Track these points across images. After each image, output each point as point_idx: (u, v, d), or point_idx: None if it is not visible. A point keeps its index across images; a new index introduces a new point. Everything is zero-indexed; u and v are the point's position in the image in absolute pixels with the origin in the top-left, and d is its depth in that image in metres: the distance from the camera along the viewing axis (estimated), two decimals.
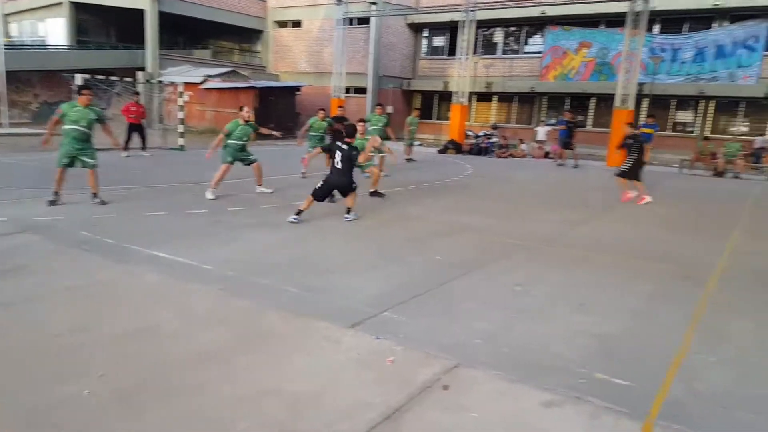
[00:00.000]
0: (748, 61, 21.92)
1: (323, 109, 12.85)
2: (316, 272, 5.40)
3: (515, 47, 27.66)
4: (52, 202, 7.92)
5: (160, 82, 21.51)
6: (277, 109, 23.86)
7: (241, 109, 9.65)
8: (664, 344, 4.03)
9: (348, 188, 7.95)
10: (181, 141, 17.07)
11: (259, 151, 11.23)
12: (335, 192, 8.13)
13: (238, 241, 6.50)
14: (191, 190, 9.90)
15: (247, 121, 9.56)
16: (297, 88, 26.42)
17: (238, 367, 3.39)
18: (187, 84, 24.13)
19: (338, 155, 7.84)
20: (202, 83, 24.74)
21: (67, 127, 7.95)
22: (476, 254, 6.35)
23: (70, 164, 8.08)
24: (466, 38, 22.15)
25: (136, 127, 15.07)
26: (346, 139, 7.99)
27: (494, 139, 21.86)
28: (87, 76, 15.12)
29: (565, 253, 6.62)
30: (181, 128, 17.29)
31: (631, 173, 10.80)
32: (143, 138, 15.28)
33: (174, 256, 5.72)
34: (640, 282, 5.55)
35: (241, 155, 9.65)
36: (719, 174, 17.01)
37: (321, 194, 7.92)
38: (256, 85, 23.74)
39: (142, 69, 25.69)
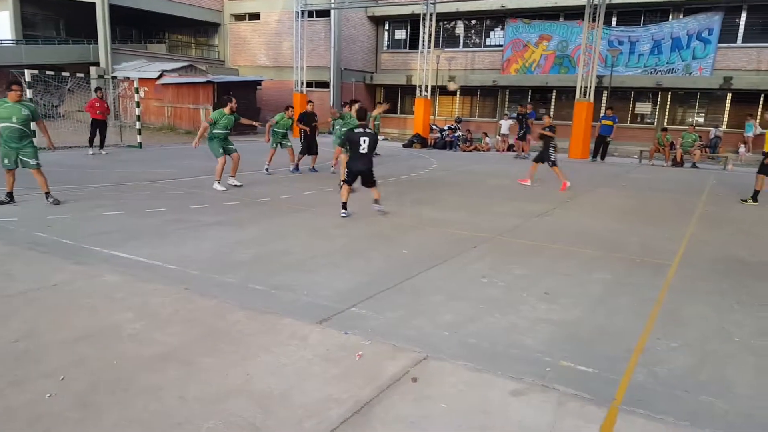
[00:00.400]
0: (703, 53, 22.64)
1: (291, 107, 12.56)
2: (281, 269, 5.33)
3: (477, 40, 27.91)
4: (3, 203, 7.74)
5: (114, 77, 20.89)
6: (238, 105, 23.41)
7: (228, 101, 9.91)
8: (626, 331, 4.12)
9: (371, 174, 8.07)
10: (138, 138, 16.64)
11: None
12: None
13: (201, 239, 6.37)
14: (150, 189, 9.66)
15: (232, 111, 9.84)
16: (257, 83, 26.07)
17: (203, 367, 3.31)
18: (142, 79, 23.59)
19: (364, 141, 7.84)
20: (158, 78, 24.13)
21: (0, 125, 7.64)
22: (442, 247, 6.38)
23: (10, 165, 7.80)
24: (427, 31, 22.21)
25: (100, 123, 14.70)
26: (360, 123, 8.07)
27: (458, 133, 22.03)
28: (35, 72, 14.56)
29: (529, 244, 6.72)
30: (138, 125, 16.83)
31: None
32: (103, 136, 14.85)
33: (135, 255, 5.57)
34: (602, 271, 5.67)
35: (225, 144, 9.87)
36: (677, 164, 17.53)
37: (351, 180, 8.05)
38: (215, 80, 23.29)
39: (96, 64, 24.89)
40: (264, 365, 3.37)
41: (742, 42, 22.18)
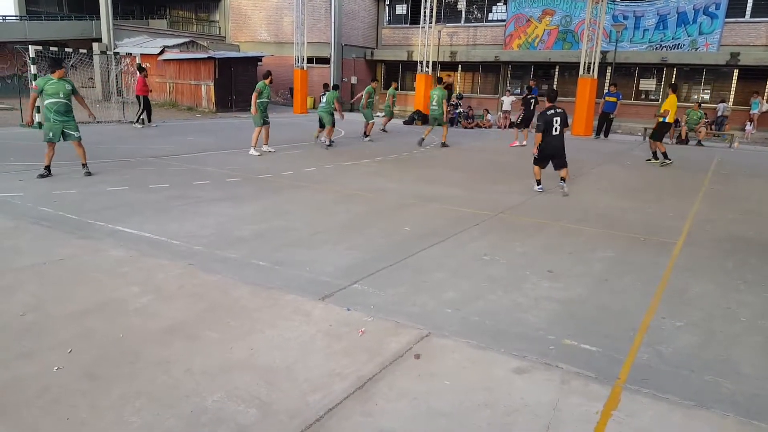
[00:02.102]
0: (710, 28, 22.28)
1: (270, 72, 12.02)
2: (284, 245, 5.34)
3: (478, 15, 27.50)
4: (43, 176, 8.10)
5: (116, 53, 20.68)
6: (239, 81, 23.30)
7: (268, 74, 11.67)
8: (631, 309, 4.12)
9: (564, 153, 8.28)
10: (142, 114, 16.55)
11: (227, 123, 10.98)
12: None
13: (204, 215, 6.37)
14: (153, 164, 9.64)
15: (271, 82, 11.52)
16: (258, 59, 25.79)
17: (209, 341, 3.35)
18: (144, 55, 23.39)
19: (557, 121, 7.95)
20: (160, 54, 23.90)
21: (47, 101, 8.12)
22: (444, 225, 6.38)
23: (55, 138, 8.24)
24: (428, 6, 21.88)
25: (147, 100, 15.86)
26: (548, 104, 8.17)
27: (460, 110, 21.85)
28: (39, 47, 14.52)
29: (532, 222, 6.71)
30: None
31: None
32: (149, 110, 16.08)
33: (139, 231, 5.60)
34: (606, 249, 5.67)
35: (264, 115, 11.41)
36: (682, 142, 17.38)
37: (543, 161, 8.28)
38: (216, 56, 23.05)
39: (98, 40, 24.65)
40: (268, 340, 3.40)
41: (751, 17, 21.77)
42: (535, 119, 11.42)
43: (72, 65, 17.73)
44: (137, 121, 15.80)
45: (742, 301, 4.40)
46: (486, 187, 8.86)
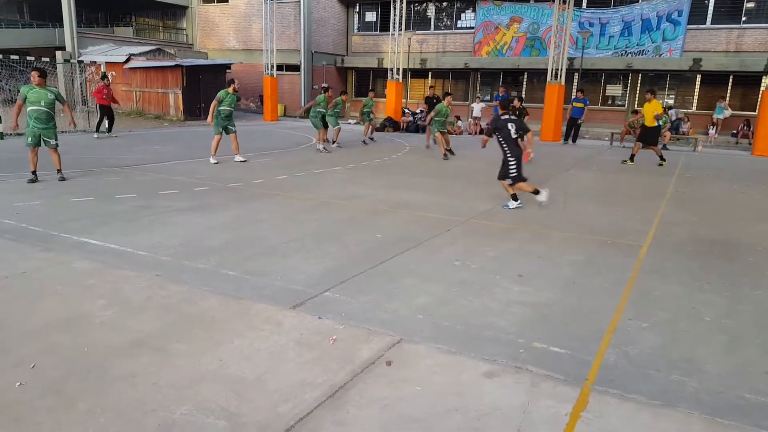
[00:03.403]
0: (673, 34, 22.92)
1: (234, 80, 11.70)
2: (254, 255, 5.29)
3: (448, 23, 27.80)
4: (32, 181, 8.40)
5: (80, 61, 20.27)
6: (207, 88, 23.03)
7: (232, 81, 11.24)
8: (598, 311, 4.19)
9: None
10: (107, 123, 16.22)
11: (196, 131, 10.84)
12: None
13: (172, 225, 6.27)
14: (119, 174, 9.45)
15: (235, 91, 11.12)
16: (227, 66, 25.57)
17: (177, 354, 3.29)
18: (109, 63, 22.98)
19: (511, 126, 7.63)
20: (125, 62, 23.50)
21: (29, 108, 8.43)
22: (416, 231, 6.40)
23: (35, 143, 8.50)
24: (398, 13, 22.03)
25: (107, 109, 15.34)
26: (502, 110, 8.01)
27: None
28: None
29: (502, 227, 6.79)
30: None
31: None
32: (111, 120, 15.62)
33: (105, 242, 5.49)
34: (574, 252, 5.76)
35: (226, 122, 11.08)
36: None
37: (522, 172, 7.78)
38: (184, 64, 22.77)
39: (61, 48, 24.12)
40: (237, 350, 3.36)
41: (712, 23, 22.47)
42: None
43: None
44: (97, 130, 15.38)
45: (706, 301, 4.51)
46: (457, 193, 8.94)
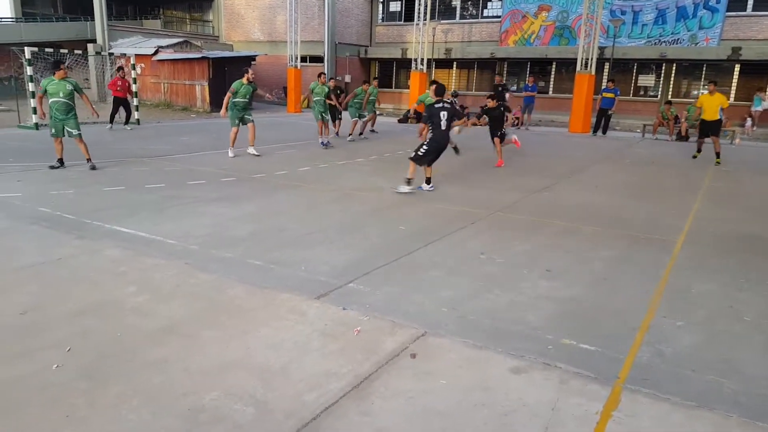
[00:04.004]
0: (710, 22, 22.19)
1: (248, 69, 11.26)
2: (279, 245, 5.32)
3: (474, 12, 27.45)
4: (55, 167, 8.74)
5: (111, 54, 20.61)
6: (233, 80, 23.08)
7: (246, 70, 10.81)
8: (631, 309, 4.08)
9: (444, 149, 8.09)
10: (136, 115, 16.51)
11: (222, 123, 10.94)
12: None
13: (200, 215, 6.35)
14: (149, 165, 9.60)
15: (250, 81, 10.69)
16: (252, 58, 25.70)
17: (205, 341, 3.33)
18: (138, 56, 23.28)
19: (444, 114, 7.73)
20: (154, 54, 23.81)
21: (50, 101, 8.67)
22: (440, 223, 6.35)
23: (58, 134, 8.77)
24: (423, 2, 21.81)
25: (122, 101, 15.26)
26: (437, 97, 8.02)
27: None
28: (35, 49, 14.49)
29: (529, 220, 6.69)
30: (135, 101, 16.68)
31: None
32: (128, 112, 15.48)
33: (136, 230, 5.59)
34: (605, 247, 5.64)
35: (243, 114, 10.75)
36: (682, 138, 17.24)
37: (427, 159, 7.90)
38: (210, 56, 22.97)
39: (93, 41, 24.58)
40: (264, 339, 3.38)
41: (753, 10, 21.63)
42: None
43: (68, 66, 17.68)
44: (111, 122, 15.11)
45: (745, 300, 4.35)
46: (482, 185, 8.84)
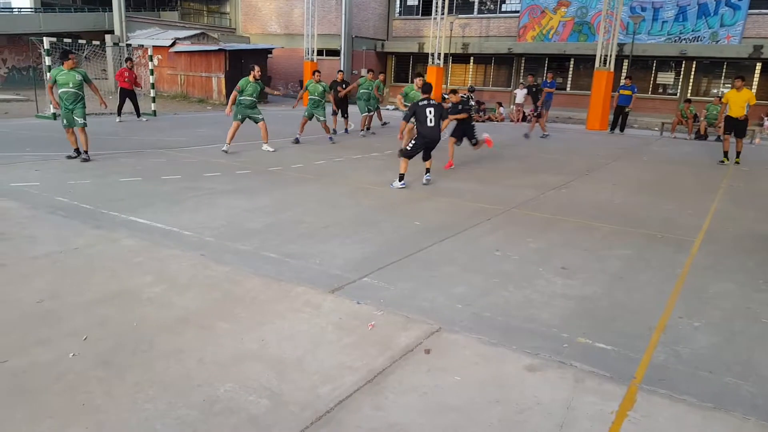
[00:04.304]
0: (732, 20, 21.79)
1: (255, 66, 10.93)
2: (293, 238, 5.33)
3: (492, 6, 27.22)
4: (72, 157, 8.81)
5: (128, 45, 20.76)
6: (249, 73, 23.23)
7: (252, 68, 10.46)
8: (647, 308, 4.04)
9: (436, 144, 8.18)
10: (152, 106, 16.63)
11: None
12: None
13: (215, 206, 6.39)
14: (165, 156, 9.67)
15: (256, 79, 10.40)
16: (269, 51, 25.74)
17: (220, 332, 3.35)
18: (156, 47, 23.40)
19: (430, 112, 7.84)
20: (171, 46, 23.95)
21: (60, 91, 8.67)
22: (455, 219, 6.33)
23: (71, 124, 8.78)
24: None
25: (129, 93, 14.97)
26: (424, 95, 8.12)
27: (471, 103, 21.68)
28: (53, 39, 14.60)
29: (545, 218, 6.64)
30: (152, 93, 16.81)
31: None
32: (135, 104, 15.18)
33: (152, 221, 5.64)
34: (621, 246, 5.58)
35: (250, 112, 10.51)
36: (701, 137, 16.98)
37: (413, 153, 7.97)
38: (227, 48, 23.05)
39: (110, 32, 24.78)
40: (279, 331, 3.40)
41: None
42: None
43: (86, 57, 17.83)
44: (119, 114, 14.93)
45: (763, 300, 4.29)
46: (497, 181, 8.79)
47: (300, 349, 3.18)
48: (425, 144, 7.97)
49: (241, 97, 10.32)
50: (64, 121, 8.77)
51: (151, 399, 2.65)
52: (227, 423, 2.50)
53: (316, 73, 12.41)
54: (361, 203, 6.95)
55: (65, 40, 15.83)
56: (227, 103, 10.53)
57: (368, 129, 14.56)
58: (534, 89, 17.20)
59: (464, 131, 9.77)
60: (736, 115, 11.60)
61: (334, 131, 13.07)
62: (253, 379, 2.86)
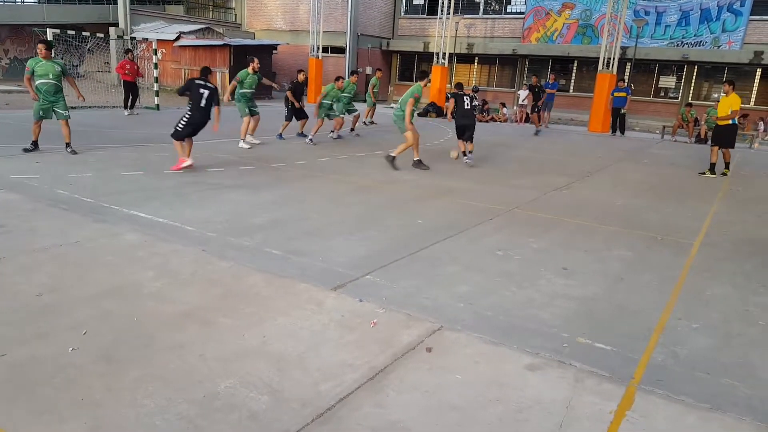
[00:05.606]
0: (733, 25, 21.82)
1: (254, 58, 11.11)
2: (297, 235, 5.34)
3: (497, 7, 27.22)
4: (27, 150, 8.50)
5: (132, 38, 20.76)
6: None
7: (251, 60, 10.69)
8: (646, 309, 4.06)
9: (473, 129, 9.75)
10: (156, 100, 16.62)
11: (236, 110, 10.99)
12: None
13: (218, 202, 6.39)
14: (168, 150, 9.66)
15: (255, 71, 10.58)
16: (273, 47, 25.74)
17: (222, 327, 3.36)
18: (160, 41, 23.43)
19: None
20: (176, 40, 23.94)
21: (38, 82, 8.42)
22: (458, 218, 6.34)
23: (45, 116, 8.59)
24: None
25: (131, 85, 14.91)
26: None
27: (475, 103, 21.69)
28: (57, 31, 14.56)
29: (547, 218, 6.65)
30: (155, 87, 16.79)
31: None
32: (134, 97, 15.07)
33: (154, 216, 5.63)
34: (622, 248, 5.60)
35: (250, 104, 10.64)
36: (702, 141, 16.99)
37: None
38: (231, 43, 23.05)
39: (115, 25, 24.76)
40: (280, 328, 3.40)
41: None
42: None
43: (89, 49, 17.83)
44: (125, 107, 14.93)
45: (761, 303, 4.32)
46: (500, 182, 8.80)
47: (301, 346, 3.19)
48: (462, 126, 9.77)
49: (243, 90, 10.48)
50: (40, 113, 8.49)
51: (151, 394, 2.65)
52: (228, 419, 2.50)
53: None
54: (364, 201, 6.96)
55: (69, 31, 15.78)
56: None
57: (352, 130, 13.98)
58: (536, 89, 17.29)
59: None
60: (721, 123, 10.88)
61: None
62: (254, 375, 2.86)
